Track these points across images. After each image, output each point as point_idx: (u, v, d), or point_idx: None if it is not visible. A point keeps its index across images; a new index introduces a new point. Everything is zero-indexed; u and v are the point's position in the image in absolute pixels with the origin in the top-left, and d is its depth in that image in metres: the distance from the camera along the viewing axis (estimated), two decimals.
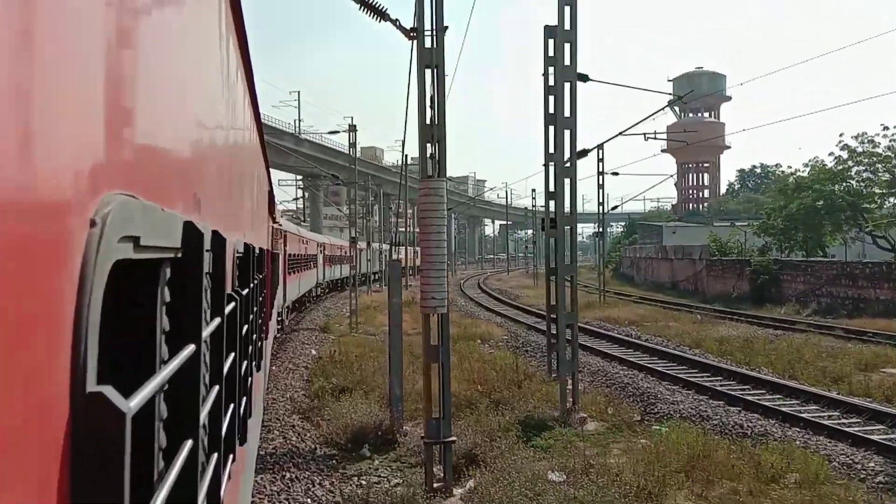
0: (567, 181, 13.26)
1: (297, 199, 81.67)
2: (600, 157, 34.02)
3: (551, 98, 16.72)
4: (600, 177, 34.35)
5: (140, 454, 1.10)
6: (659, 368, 16.60)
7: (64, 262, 0.82)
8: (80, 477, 0.85)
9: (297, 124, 77.77)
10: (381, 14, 10.14)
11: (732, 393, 13.87)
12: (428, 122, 8.86)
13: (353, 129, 26.64)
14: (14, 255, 0.70)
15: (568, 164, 16.02)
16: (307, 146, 72.57)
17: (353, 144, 26.60)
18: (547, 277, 17.15)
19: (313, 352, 20.47)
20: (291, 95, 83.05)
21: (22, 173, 0.72)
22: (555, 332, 16.21)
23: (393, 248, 12.65)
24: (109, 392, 0.86)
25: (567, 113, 13.30)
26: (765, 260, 33.91)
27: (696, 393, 14.32)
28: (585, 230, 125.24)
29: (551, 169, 17.08)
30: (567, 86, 13.36)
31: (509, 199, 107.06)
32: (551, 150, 16.97)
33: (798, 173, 43.07)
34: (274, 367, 17.23)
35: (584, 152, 16.27)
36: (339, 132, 27.69)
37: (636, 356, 18.82)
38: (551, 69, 16.58)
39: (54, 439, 0.80)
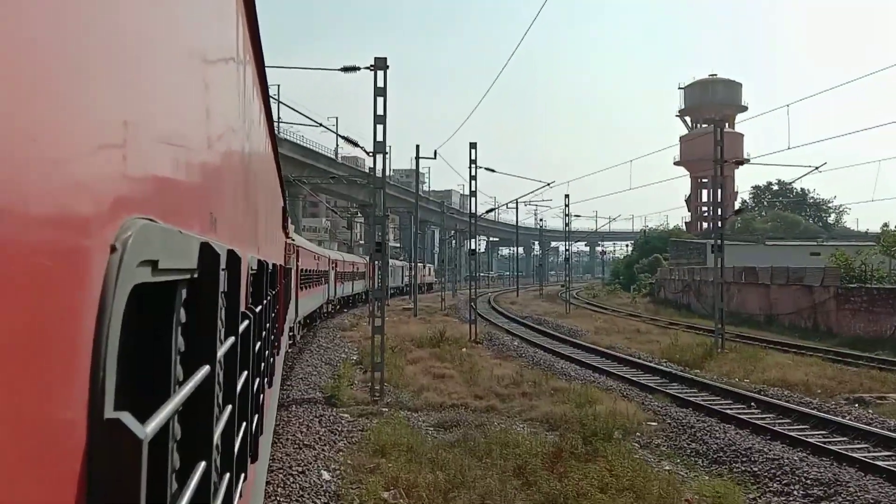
0: None
1: None
2: None
3: None
4: None
5: (153, 478, 1.07)
6: None
7: (84, 288, 0.81)
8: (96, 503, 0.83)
9: (276, 120, 66.99)
10: None
11: None
12: None
13: (381, 64, 16.17)
14: (35, 282, 0.69)
15: None
16: (287, 147, 61.82)
17: (380, 91, 16.08)
18: None
19: (325, 476, 9.79)
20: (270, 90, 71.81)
21: (43, 201, 0.71)
22: None
23: None
24: (126, 418, 0.85)
25: None
26: None
27: None
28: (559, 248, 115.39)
29: None
30: None
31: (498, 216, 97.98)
32: None
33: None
34: None
35: None
36: (359, 69, 17.27)
37: None
38: None
39: (71, 466, 0.78)
